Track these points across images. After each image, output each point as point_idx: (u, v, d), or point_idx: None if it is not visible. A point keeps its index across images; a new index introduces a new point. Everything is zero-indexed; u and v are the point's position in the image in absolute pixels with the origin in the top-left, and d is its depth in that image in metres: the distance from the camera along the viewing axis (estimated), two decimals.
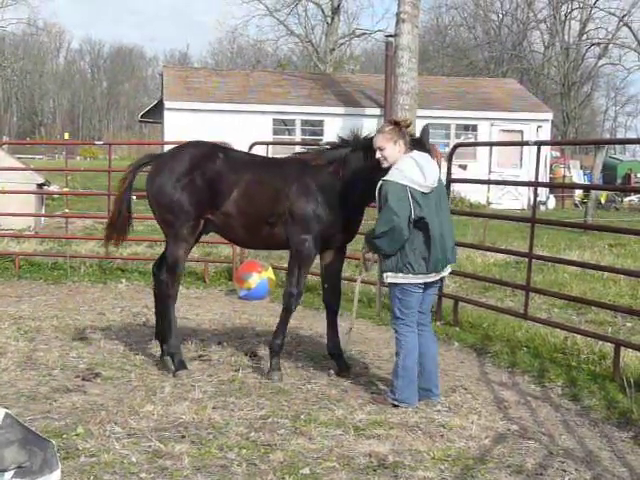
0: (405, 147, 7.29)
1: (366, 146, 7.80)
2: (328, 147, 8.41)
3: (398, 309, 7.32)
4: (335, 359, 8.49)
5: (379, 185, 7.19)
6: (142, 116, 45.59)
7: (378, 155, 7.31)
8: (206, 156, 8.29)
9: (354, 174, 7.91)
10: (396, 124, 7.36)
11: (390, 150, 7.27)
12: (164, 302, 8.61)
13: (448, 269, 7.54)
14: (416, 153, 7.32)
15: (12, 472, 5.32)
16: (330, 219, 8.00)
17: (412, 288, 7.25)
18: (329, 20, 54.10)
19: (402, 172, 7.10)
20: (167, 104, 32.29)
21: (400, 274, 7.19)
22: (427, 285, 7.38)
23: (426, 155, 7.44)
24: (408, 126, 7.39)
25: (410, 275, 7.17)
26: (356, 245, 8.66)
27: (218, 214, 8.22)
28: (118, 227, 8.78)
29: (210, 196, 8.15)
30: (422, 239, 7.16)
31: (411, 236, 7.09)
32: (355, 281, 8.04)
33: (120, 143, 20.27)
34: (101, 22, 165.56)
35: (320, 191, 8.00)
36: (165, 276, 8.51)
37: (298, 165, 8.31)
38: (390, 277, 7.25)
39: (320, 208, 7.98)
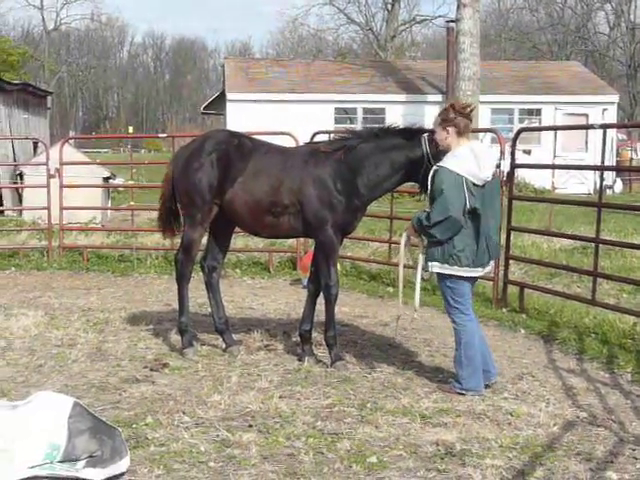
0: (458, 134, 7.18)
1: (376, 136, 7.99)
2: (340, 137, 8.46)
3: (451, 298, 7.25)
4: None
5: (433, 171, 7.13)
6: (204, 108, 45.86)
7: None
8: (221, 142, 8.48)
9: (361, 163, 7.97)
10: (453, 108, 7.26)
11: (438, 135, 7.24)
12: (178, 281, 8.89)
13: (491, 264, 7.48)
14: (474, 143, 7.27)
15: (84, 461, 5.42)
16: (343, 206, 8.01)
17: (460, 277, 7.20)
18: (389, 7, 53.88)
19: (458, 161, 7.03)
20: (229, 95, 32.43)
21: (446, 265, 7.11)
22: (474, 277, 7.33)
23: (485, 148, 7.41)
24: (467, 112, 7.23)
25: (456, 267, 7.09)
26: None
27: (224, 201, 8.35)
28: (163, 220, 9.15)
29: (219, 182, 8.31)
30: (471, 231, 7.08)
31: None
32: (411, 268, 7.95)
33: (183, 135, 20.41)
34: (164, 15, 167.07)
35: (330, 179, 8.02)
36: (181, 256, 8.74)
37: (305, 155, 8.36)
38: (436, 267, 7.17)
39: (331, 196, 8.00)
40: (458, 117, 7.15)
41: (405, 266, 7.81)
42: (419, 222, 7.17)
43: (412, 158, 7.81)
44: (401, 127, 8.09)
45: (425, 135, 7.76)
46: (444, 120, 7.19)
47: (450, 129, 7.16)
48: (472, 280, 7.32)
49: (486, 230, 7.12)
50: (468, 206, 6.97)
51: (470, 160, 7.03)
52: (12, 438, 5.46)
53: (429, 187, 7.18)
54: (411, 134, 7.91)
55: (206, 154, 8.37)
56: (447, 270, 7.13)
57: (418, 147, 7.75)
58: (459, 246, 7.05)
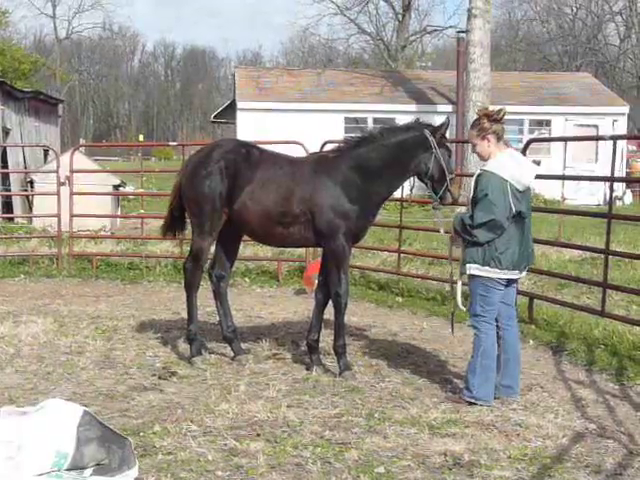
0: (498, 139, 7.21)
1: (380, 136, 8.06)
2: (345, 142, 8.47)
3: (480, 305, 7.24)
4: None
5: (477, 174, 7.16)
6: (215, 117, 45.91)
7: (473, 151, 7.41)
8: (229, 151, 8.50)
9: (370, 164, 8.01)
10: (487, 116, 7.26)
11: (479, 147, 7.27)
12: (186, 289, 8.91)
13: (526, 269, 7.48)
14: (513, 151, 7.30)
15: (91, 470, 5.41)
16: (356, 213, 8.04)
17: (495, 284, 7.17)
18: (400, 17, 53.81)
19: (501, 165, 7.06)
20: (239, 104, 32.51)
21: (486, 267, 7.11)
22: (509, 281, 7.32)
23: (520, 155, 7.47)
24: (500, 117, 7.24)
25: (496, 269, 7.09)
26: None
27: (233, 210, 8.36)
28: (167, 226, 9.22)
29: (227, 191, 8.32)
30: (514, 234, 7.10)
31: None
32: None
33: (194, 144, 20.37)
34: (174, 25, 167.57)
35: (341, 187, 8.04)
36: (190, 264, 8.76)
37: (314, 164, 8.38)
38: (474, 269, 7.16)
39: (344, 204, 8.01)
40: (494, 124, 7.19)
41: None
42: (461, 223, 7.20)
43: (419, 151, 7.90)
44: (403, 124, 8.22)
45: (429, 129, 7.92)
46: (482, 130, 7.22)
47: (491, 137, 7.20)
48: (505, 285, 7.29)
49: (527, 234, 7.18)
50: (514, 211, 7.01)
51: (512, 165, 7.08)
52: (19, 446, 5.46)
53: (472, 190, 7.19)
54: (414, 129, 8.01)
55: (214, 162, 8.38)
56: (486, 272, 7.12)
57: (424, 140, 7.86)
58: (501, 248, 7.06)
